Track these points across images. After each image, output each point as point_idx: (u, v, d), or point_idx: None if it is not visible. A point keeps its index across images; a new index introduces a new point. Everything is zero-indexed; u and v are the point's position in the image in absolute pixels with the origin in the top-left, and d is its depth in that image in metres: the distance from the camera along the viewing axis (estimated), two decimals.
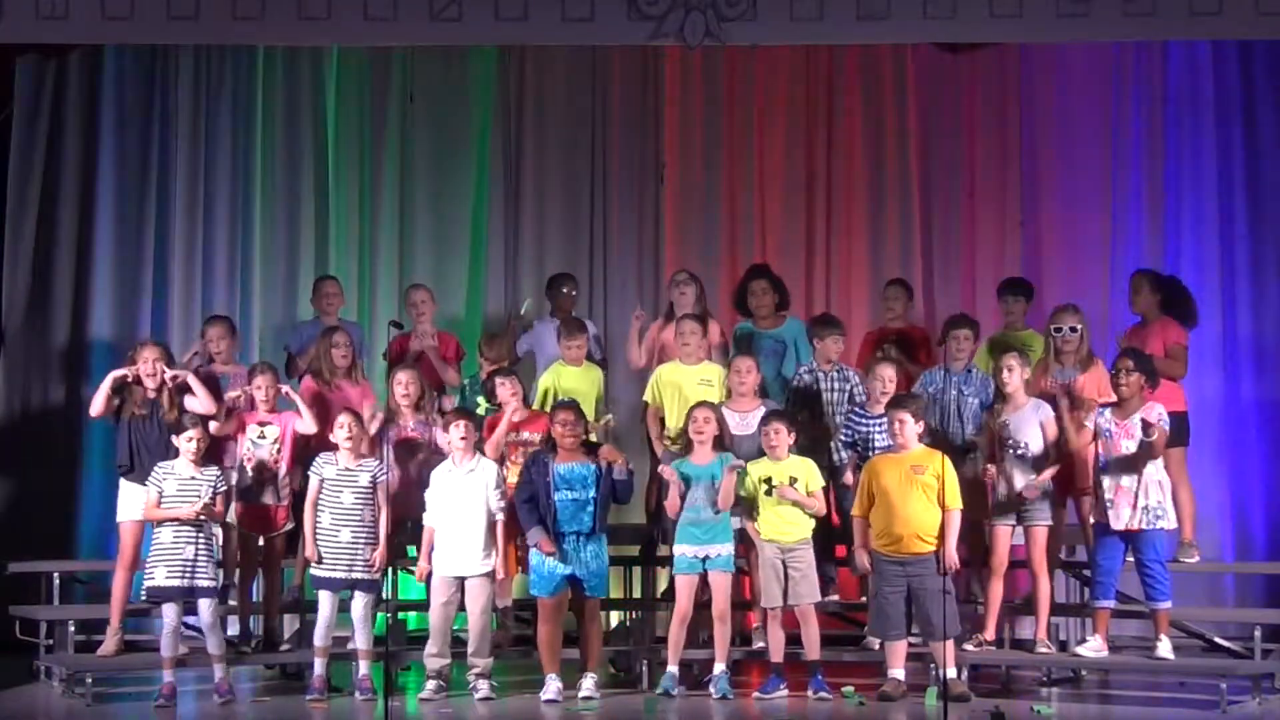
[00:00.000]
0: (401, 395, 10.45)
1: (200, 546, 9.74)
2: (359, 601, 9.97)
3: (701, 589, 10.07)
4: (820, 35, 11.37)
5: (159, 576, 9.72)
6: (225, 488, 9.98)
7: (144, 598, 9.94)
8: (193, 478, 9.84)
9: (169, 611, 9.74)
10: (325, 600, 9.98)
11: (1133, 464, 9.83)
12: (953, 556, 9.73)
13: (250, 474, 10.30)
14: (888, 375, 10.36)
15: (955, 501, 9.75)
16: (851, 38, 11.54)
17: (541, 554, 9.82)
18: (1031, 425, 10.16)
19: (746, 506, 10.12)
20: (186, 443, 9.88)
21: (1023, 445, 10.15)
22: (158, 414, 10.31)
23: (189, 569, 9.71)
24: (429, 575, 10.07)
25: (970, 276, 12.52)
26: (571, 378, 10.84)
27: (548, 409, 10.46)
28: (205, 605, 9.76)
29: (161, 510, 9.79)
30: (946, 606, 9.52)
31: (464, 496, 9.97)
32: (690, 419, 10.11)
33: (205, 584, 9.76)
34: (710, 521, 9.99)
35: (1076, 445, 10.17)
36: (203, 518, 9.73)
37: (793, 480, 10.01)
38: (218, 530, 10.07)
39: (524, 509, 9.91)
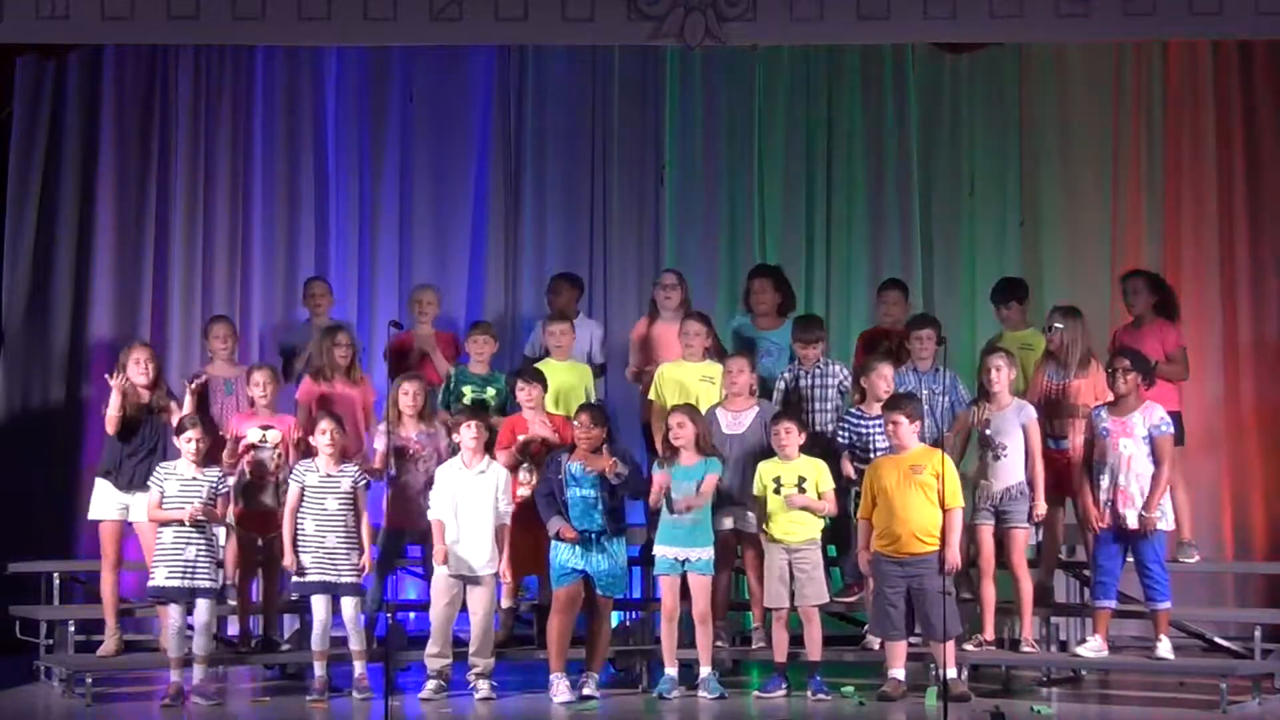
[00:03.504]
0: (408, 405, 10.41)
1: (200, 547, 9.76)
2: (348, 605, 9.96)
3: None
4: (820, 35, 11.38)
5: (159, 577, 9.75)
6: (226, 490, 9.98)
7: (148, 597, 9.95)
8: (194, 479, 9.85)
9: (172, 612, 9.75)
10: (319, 604, 9.96)
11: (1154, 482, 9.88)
12: (955, 556, 9.73)
13: (250, 476, 10.30)
14: (885, 374, 10.36)
15: (956, 500, 9.74)
16: (851, 38, 11.54)
17: (558, 544, 9.87)
18: (1013, 427, 10.16)
19: (757, 507, 10.12)
20: (186, 443, 9.88)
21: (1004, 446, 10.16)
22: (148, 417, 10.31)
23: (189, 569, 9.73)
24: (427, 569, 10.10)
25: (970, 276, 12.52)
26: (558, 373, 10.79)
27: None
28: (202, 605, 9.77)
29: (162, 511, 9.80)
30: (946, 606, 9.52)
31: (473, 497, 9.96)
32: (667, 425, 10.11)
33: (205, 584, 9.77)
34: (691, 523, 9.98)
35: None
36: (201, 519, 9.73)
37: (801, 480, 10.01)
38: (220, 530, 10.07)
39: (542, 502, 9.97)
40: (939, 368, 10.49)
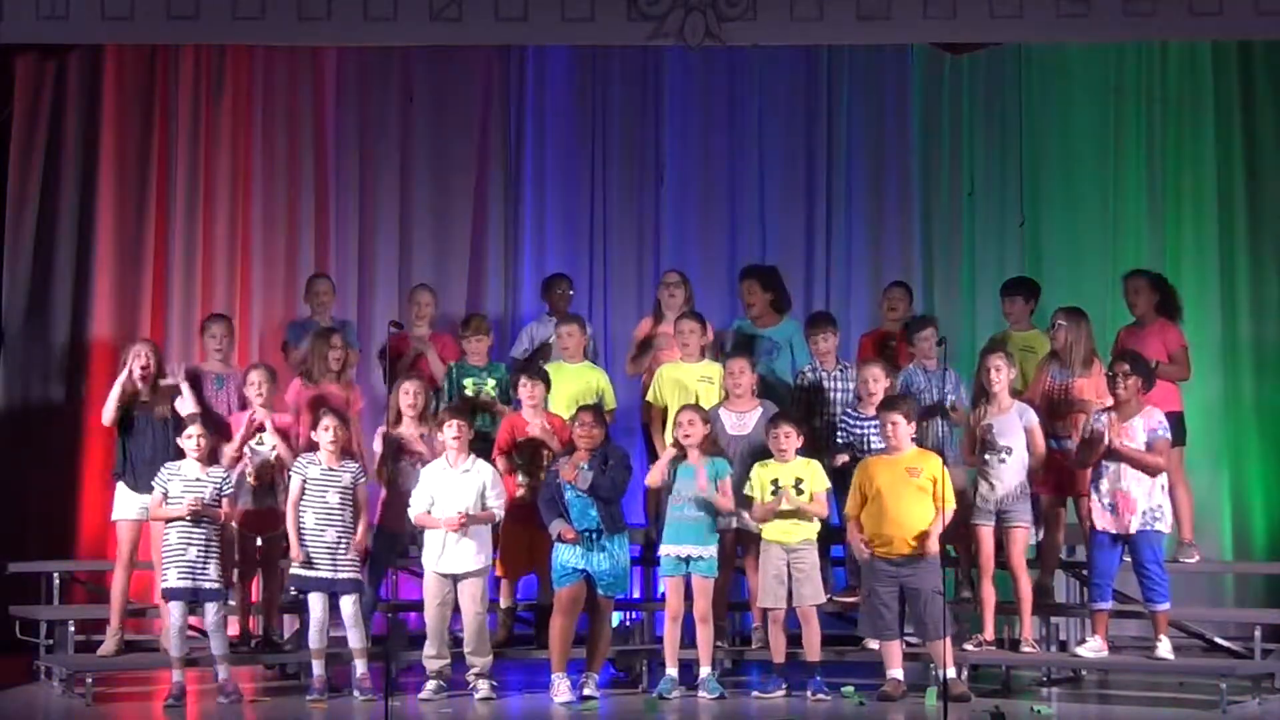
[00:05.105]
0: (408, 406, 10.40)
1: (200, 547, 9.76)
2: (347, 602, 9.97)
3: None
4: (820, 35, 11.37)
5: (170, 578, 9.77)
6: (231, 490, 9.98)
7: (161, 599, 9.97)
8: (198, 478, 9.85)
9: (174, 610, 9.75)
10: (316, 601, 9.97)
11: (1132, 464, 9.85)
12: (934, 545, 9.70)
13: (250, 476, 10.30)
14: (874, 375, 10.37)
15: (949, 505, 9.73)
16: (851, 38, 11.53)
17: (560, 545, 9.85)
18: (1015, 430, 10.15)
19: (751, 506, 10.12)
20: (186, 440, 9.89)
21: (1008, 449, 10.15)
22: (151, 415, 10.32)
23: (192, 570, 9.74)
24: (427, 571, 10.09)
25: (970, 276, 12.52)
26: (564, 377, 10.78)
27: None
28: (210, 608, 9.78)
29: (162, 510, 9.81)
30: (940, 606, 9.52)
31: (458, 496, 9.95)
32: (676, 423, 10.12)
33: (209, 586, 9.78)
34: (695, 521, 9.99)
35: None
36: (197, 516, 9.71)
37: (798, 481, 10.00)
38: (232, 526, 10.07)
39: (544, 505, 9.95)
40: (945, 368, 10.50)
